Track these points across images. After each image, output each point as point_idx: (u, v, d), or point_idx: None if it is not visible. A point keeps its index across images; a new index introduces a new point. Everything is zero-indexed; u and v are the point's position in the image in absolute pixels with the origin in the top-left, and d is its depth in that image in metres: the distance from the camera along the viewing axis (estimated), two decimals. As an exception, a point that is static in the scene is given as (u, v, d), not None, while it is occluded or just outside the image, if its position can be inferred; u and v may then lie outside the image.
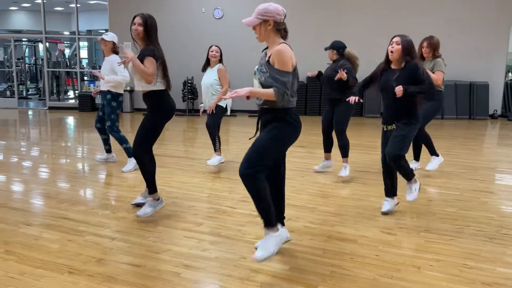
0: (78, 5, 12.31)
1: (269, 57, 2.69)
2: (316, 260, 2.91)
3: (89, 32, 16.85)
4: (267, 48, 2.82)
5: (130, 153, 5.25)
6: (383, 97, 3.80)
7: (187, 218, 3.68)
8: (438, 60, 4.87)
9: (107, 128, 5.29)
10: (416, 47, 3.79)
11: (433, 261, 2.92)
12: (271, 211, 2.66)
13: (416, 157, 5.37)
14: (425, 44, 4.92)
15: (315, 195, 4.39)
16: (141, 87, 3.60)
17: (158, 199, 3.67)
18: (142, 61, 3.47)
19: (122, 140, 5.25)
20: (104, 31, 10.30)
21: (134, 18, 3.55)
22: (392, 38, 3.65)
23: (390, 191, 3.86)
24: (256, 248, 2.94)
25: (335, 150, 5.16)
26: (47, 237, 3.24)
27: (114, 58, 5.16)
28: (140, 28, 3.51)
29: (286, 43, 2.71)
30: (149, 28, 3.52)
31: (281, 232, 2.73)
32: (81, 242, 3.16)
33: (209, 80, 5.21)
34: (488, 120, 10.68)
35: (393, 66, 3.70)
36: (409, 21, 10.69)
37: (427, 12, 10.65)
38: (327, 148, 5.27)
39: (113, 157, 5.77)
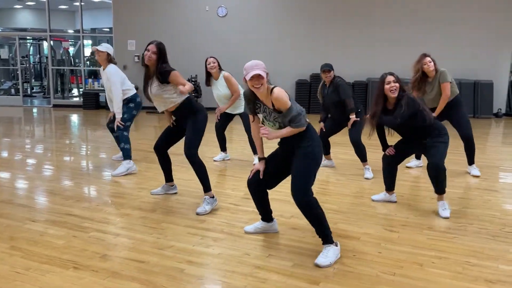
0: (82, 3, 12.35)
1: (273, 105, 2.86)
2: (319, 257, 2.92)
3: (93, 30, 16.89)
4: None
5: (127, 155, 4.99)
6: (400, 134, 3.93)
7: (190, 215, 3.70)
8: (442, 71, 4.74)
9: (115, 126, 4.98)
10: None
11: (436, 258, 2.93)
12: (329, 230, 2.88)
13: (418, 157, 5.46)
14: (427, 59, 4.68)
15: (318, 193, 4.39)
16: (163, 107, 3.81)
17: (213, 197, 3.83)
18: (167, 81, 3.68)
19: (123, 139, 4.96)
20: (108, 29, 10.33)
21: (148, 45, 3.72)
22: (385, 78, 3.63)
23: (389, 186, 4.07)
24: (246, 232, 3.32)
25: (339, 149, 5.16)
26: (52, 233, 3.27)
27: (109, 69, 4.87)
28: (154, 56, 3.67)
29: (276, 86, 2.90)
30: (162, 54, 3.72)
31: (339, 247, 2.92)
32: (86, 238, 3.19)
33: (221, 92, 5.19)
34: (492, 118, 10.64)
35: (389, 107, 3.73)
36: (413, 20, 10.67)
37: (431, 11, 10.62)
38: (325, 151, 5.41)
39: None
